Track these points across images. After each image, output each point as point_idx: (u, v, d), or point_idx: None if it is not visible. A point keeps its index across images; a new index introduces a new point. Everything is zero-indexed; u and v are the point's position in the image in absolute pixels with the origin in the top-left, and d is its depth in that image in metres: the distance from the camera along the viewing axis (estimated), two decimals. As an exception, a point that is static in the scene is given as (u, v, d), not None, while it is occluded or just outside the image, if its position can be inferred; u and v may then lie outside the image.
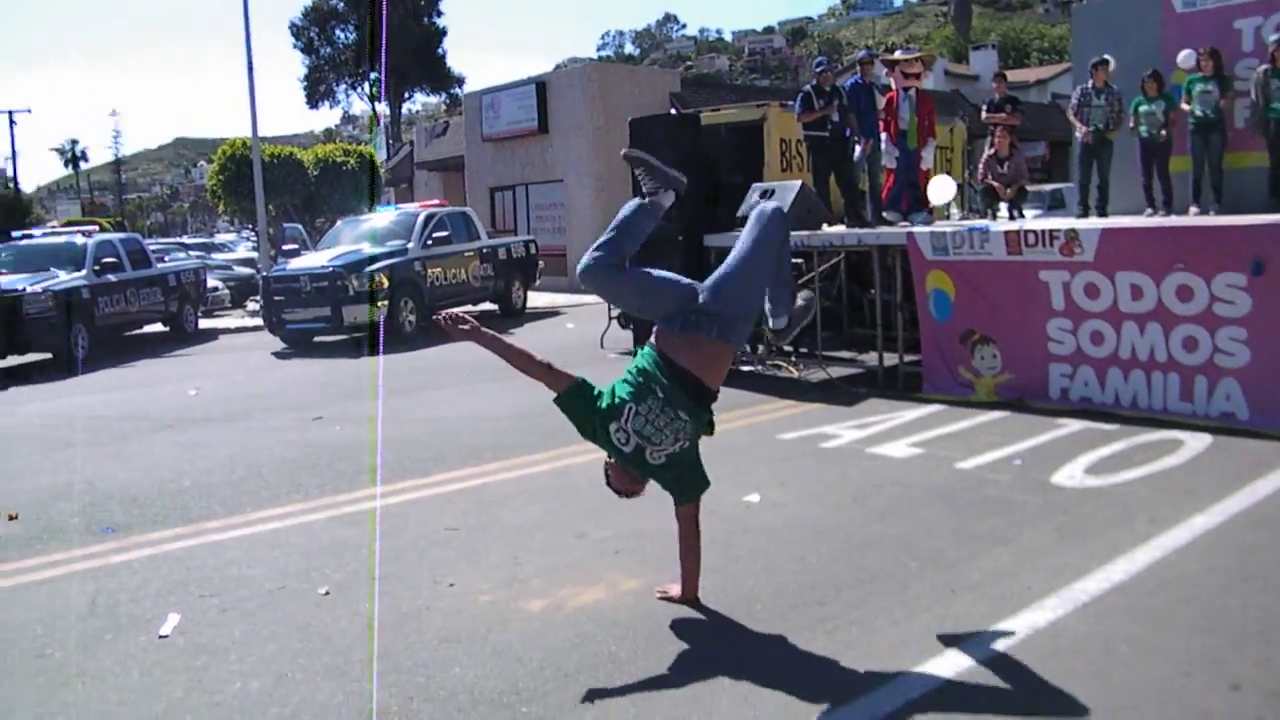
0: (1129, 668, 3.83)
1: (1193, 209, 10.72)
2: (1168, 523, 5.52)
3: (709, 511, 5.89)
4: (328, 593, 5.05)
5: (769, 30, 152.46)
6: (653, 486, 4.67)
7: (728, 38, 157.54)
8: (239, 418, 10.11)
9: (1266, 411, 7.53)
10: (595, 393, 4.48)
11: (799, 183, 11.48)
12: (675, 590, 4.74)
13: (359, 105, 56.91)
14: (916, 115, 11.44)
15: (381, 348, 14.36)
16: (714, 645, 4.24)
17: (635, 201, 4.73)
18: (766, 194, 11.16)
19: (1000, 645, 4.06)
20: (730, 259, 4.58)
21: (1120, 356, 8.23)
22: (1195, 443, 7.28)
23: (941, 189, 11.26)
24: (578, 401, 4.46)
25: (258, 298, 18.78)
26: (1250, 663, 3.86)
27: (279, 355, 15.49)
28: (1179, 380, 7.94)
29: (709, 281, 4.53)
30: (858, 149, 11.70)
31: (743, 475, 6.91)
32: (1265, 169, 10.57)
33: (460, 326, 4.53)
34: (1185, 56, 10.76)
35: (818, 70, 11.82)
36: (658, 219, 4.73)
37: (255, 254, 25.26)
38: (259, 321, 17.96)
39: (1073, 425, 7.99)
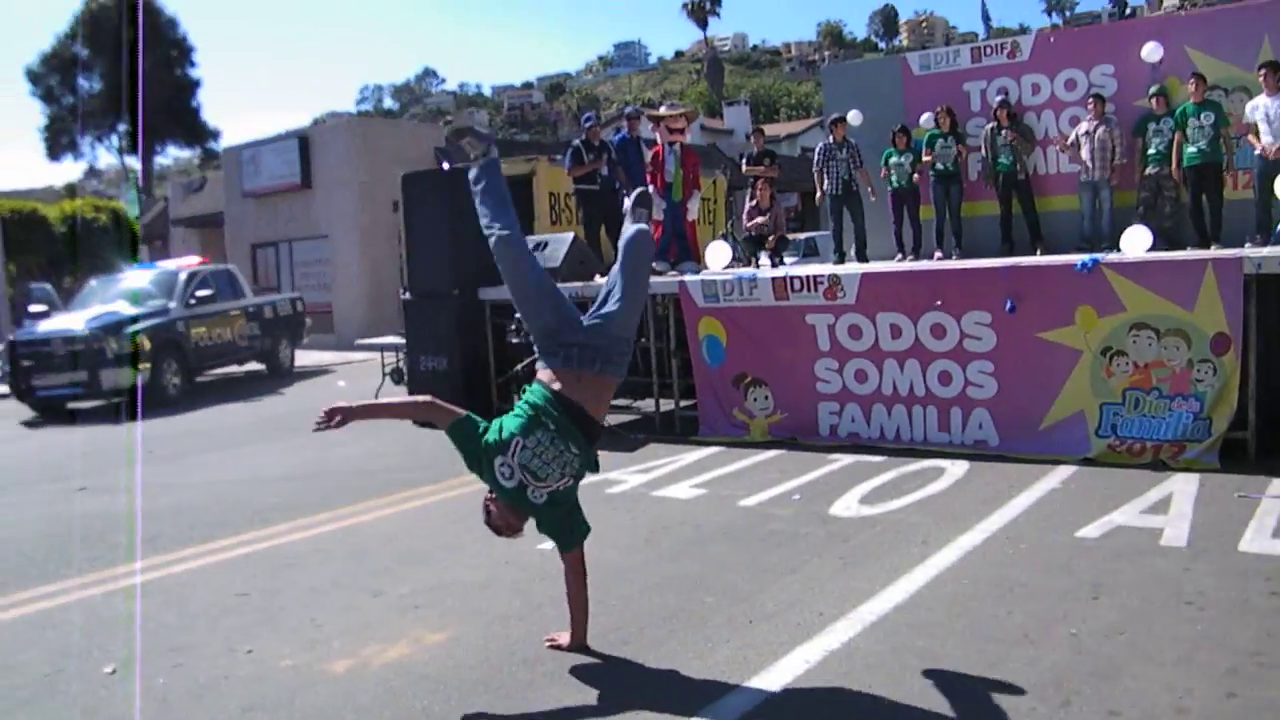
0: (918, 678, 4.12)
1: (937, 254, 11.58)
2: (938, 543, 5.94)
3: (504, 561, 6.01)
4: (114, 671, 4.77)
5: (528, 85, 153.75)
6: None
7: (487, 92, 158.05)
8: (-10, 493, 9.42)
9: (1013, 437, 8.21)
10: (481, 428, 4.45)
11: (571, 235, 11.72)
12: (564, 639, 4.73)
13: (105, 158, 53.74)
14: (682, 168, 11.88)
15: (144, 412, 13.59)
16: (526, 691, 4.27)
17: (476, 167, 4.80)
18: (540, 246, 11.33)
19: (801, 668, 4.28)
20: (615, 295, 4.62)
21: (883, 392, 8.78)
22: (955, 469, 7.85)
23: (718, 254, 11.67)
24: (465, 434, 4.43)
25: (-1, 364, 17.52)
26: (1021, 662, 4.22)
27: (29, 424, 14.49)
28: (936, 412, 8.54)
29: (592, 317, 4.59)
30: (626, 201, 12.00)
31: (533, 523, 6.96)
32: (997, 217, 11.55)
33: (336, 419, 4.31)
34: (926, 119, 11.70)
35: (587, 125, 12.14)
36: (499, 171, 4.86)
37: (-7, 316, 23.63)
38: (3, 389, 16.75)
39: (844, 459, 8.46)
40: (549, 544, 6.21)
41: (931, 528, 6.30)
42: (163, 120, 43.51)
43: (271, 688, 4.46)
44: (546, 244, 11.23)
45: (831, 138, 11.96)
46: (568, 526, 4.63)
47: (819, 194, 12.18)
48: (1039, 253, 10.70)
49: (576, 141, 12.02)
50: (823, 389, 9.11)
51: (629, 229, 4.82)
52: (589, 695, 4.19)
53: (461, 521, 7.23)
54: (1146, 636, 4.46)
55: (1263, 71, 9.57)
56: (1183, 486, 6.98)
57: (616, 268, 4.75)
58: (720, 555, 6.08)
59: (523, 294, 4.70)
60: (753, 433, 9.50)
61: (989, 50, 12.06)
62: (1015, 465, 7.85)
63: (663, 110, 12.98)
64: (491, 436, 4.42)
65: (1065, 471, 7.58)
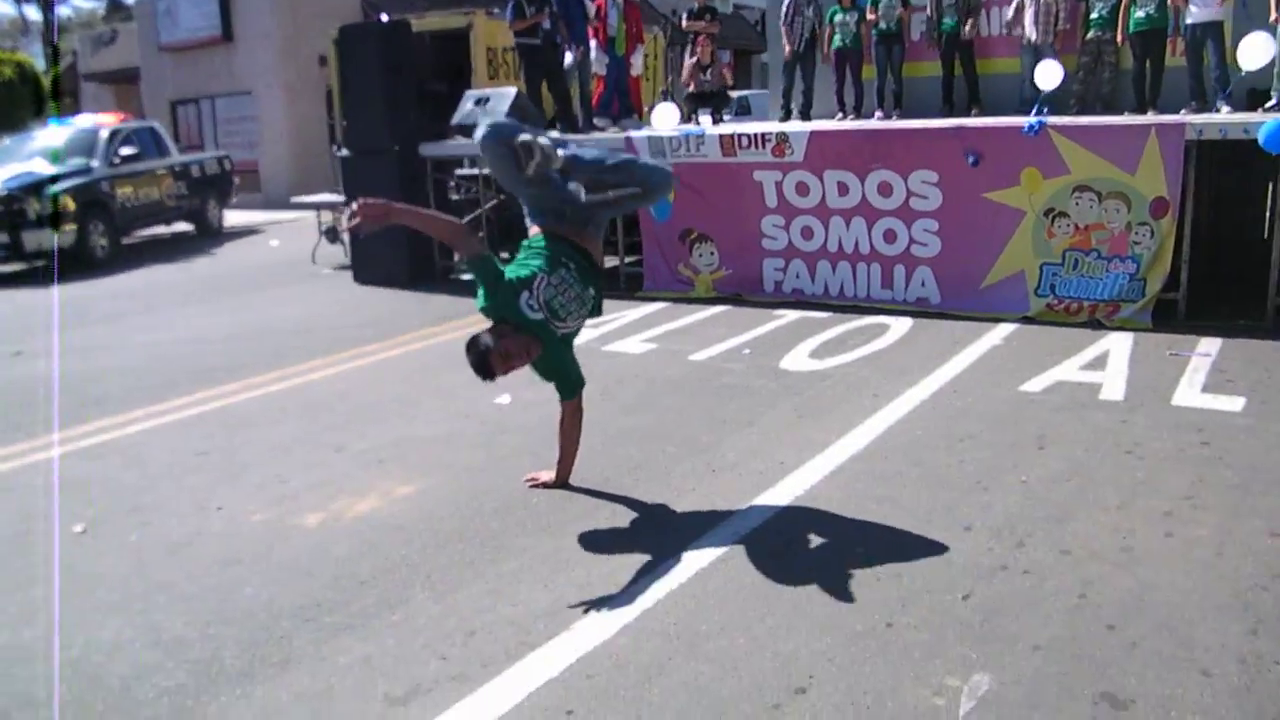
0: (880, 521, 4.32)
1: (878, 113, 11.55)
2: (889, 396, 6.13)
3: (464, 415, 6.07)
4: (84, 530, 4.78)
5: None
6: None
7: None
8: (-81, 356, 9.18)
9: (954, 295, 8.39)
10: (500, 265, 4.48)
11: (515, 90, 11.48)
12: (546, 476, 4.93)
13: (1, 6, 51.03)
14: (625, 23, 11.68)
15: (72, 275, 13.23)
16: (502, 540, 4.38)
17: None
18: (481, 101, 11.12)
19: (768, 513, 4.46)
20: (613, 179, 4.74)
21: (829, 250, 8.89)
22: (899, 326, 8.04)
23: (665, 116, 11.50)
24: (490, 268, 4.42)
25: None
26: (975, 507, 4.44)
27: (-52, 288, 14.03)
28: (880, 270, 8.68)
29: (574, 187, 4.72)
30: (569, 56, 11.80)
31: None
32: (938, 78, 11.51)
33: (373, 212, 4.26)
34: None
35: (527, -23, 11.80)
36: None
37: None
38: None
39: (789, 315, 8.60)
40: (506, 398, 6.37)
41: (881, 382, 6.48)
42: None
43: (247, 542, 4.52)
44: (489, 99, 11.01)
45: None
46: (570, 372, 4.77)
47: (786, 50, 11.93)
48: (974, 114, 10.74)
49: (517, -6, 11.70)
50: (768, 245, 9.19)
51: (663, 169, 5.05)
52: (562, 542, 4.31)
53: (412, 378, 7.29)
54: (1091, 483, 4.69)
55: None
56: (1118, 344, 7.23)
57: (638, 164, 5.03)
58: (677, 408, 6.20)
59: (520, 186, 4.73)
60: (698, 288, 9.59)
61: (937, -96, 11.84)
62: (957, 323, 8.04)
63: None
64: (511, 274, 4.45)
65: (1006, 329, 7.79)
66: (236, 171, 20.02)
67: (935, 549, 4.02)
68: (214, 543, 4.55)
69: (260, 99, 24.50)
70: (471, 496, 4.89)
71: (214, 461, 5.68)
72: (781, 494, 4.67)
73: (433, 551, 4.29)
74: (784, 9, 11.81)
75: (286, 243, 16.30)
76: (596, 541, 4.30)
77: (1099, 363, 6.79)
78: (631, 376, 6.96)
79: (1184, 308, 7.83)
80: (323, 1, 23.65)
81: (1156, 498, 4.50)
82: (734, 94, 23.91)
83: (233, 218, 19.84)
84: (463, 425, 6.02)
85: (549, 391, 6.55)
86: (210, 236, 18.04)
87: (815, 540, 4.17)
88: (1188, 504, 4.42)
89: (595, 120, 11.65)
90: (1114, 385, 6.26)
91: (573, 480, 4.96)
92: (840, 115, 11.71)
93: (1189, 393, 6.05)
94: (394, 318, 9.46)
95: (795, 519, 4.40)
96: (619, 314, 9.01)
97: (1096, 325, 7.76)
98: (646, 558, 4.08)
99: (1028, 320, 7.99)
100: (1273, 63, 8.20)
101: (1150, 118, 8.42)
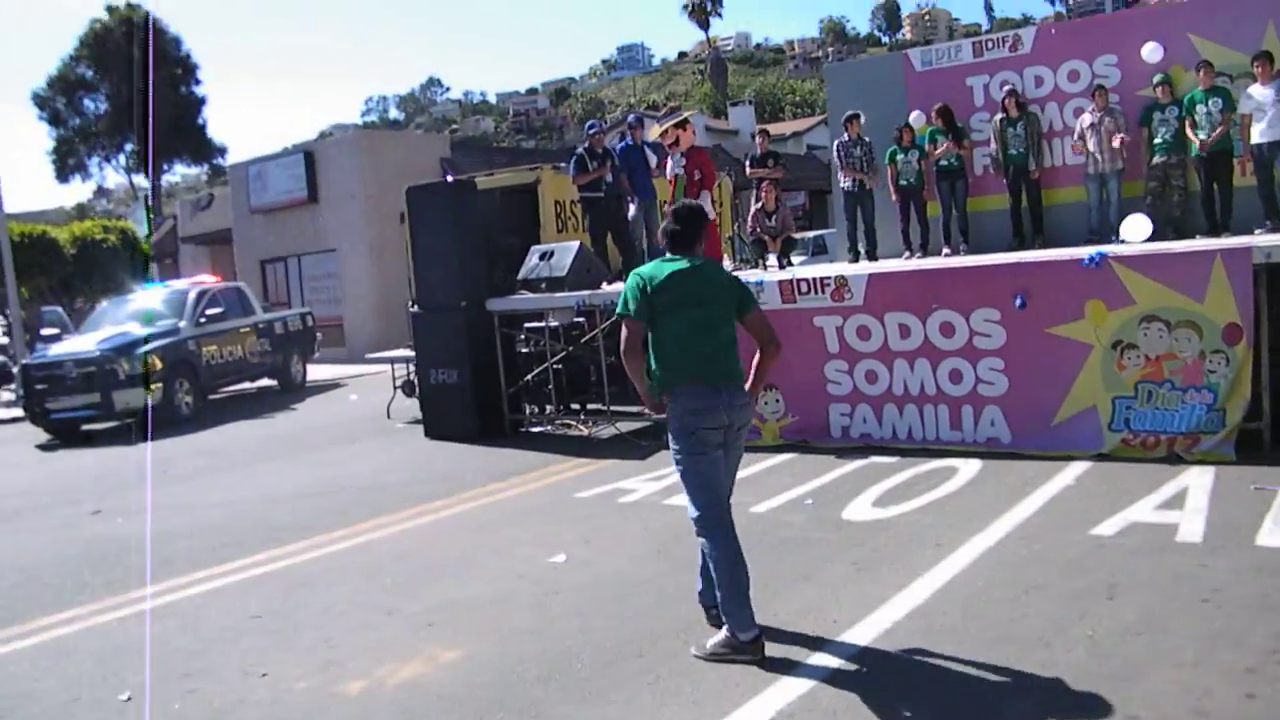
0: (937, 683, 4.12)
1: (945, 250, 11.50)
2: (952, 545, 5.91)
3: (518, 575, 5.99)
4: (129, 698, 4.77)
5: (532, 91, 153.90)
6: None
7: (492, 99, 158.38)
8: (6, 517, 9.45)
9: (1025, 434, 8.16)
10: None
11: (577, 244, 11.69)
12: None
13: (114, 178, 54.31)
14: (688, 169, 11.86)
15: (158, 432, 13.56)
16: (542, 708, 4.25)
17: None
18: (546, 255, 11.34)
19: (818, 676, 4.27)
20: None
21: (894, 393, 8.74)
22: (967, 468, 7.82)
23: None
24: None
25: (13, 386, 17.57)
26: (1037, 665, 4.21)
27: (44, 447, 14.51)
28: (948, 411, 8.50)
29: None
30: (632, 208, 12.01)
31: (546, 536, 6.98)
32: (1006, 210, 11.47)
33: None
34: (915, 117, 11.63)
35: (590, 133, 12.12)
36: None
37: (4, 340, 23.60)
38: (18, 412, 16.78)
39: (856, 462, 8.42)
40: (561, 556, 6.31)
41: (944, 529, 6.27)
42: (169, 138, 43.77)
43: (286, 711, 4.46)
44: (552, 253, 11.23)
45: (847, 134, 11.85)
46: None
47: (845, 181, 12.02)
48: (1037, 245, 10.64)
49: (580, 149, 12.01)
50: (833, 390, 9.08)
51: None
52: (605, 711, 4.18)
53: (473, 535, 7.26)
54: (1164, 636, 4.42)
55: (1257, 63, 9.45)
56: (1198, 479, 6.93)
57: None
58: (733, 563, 6.04)
59: None
60: (764, 437, 9.46)
61: (990, 44, 11.97)
62: (1028, 462, 7.80)
63: (654, 129, 12.96)
64: None
65: (1079, 468, 7.53)
66: (321, 327, 20.61)
67: (988, 714, 3.80)
68: (254, 712, 4.50)
69: (344, 256, 25.35)
70: (516, 662, 4.78)
71: (267, 625, 5.68)
72: (832, 655, 4.48)
73: (472, 722, 4.17)
74: (834, 152, 11.94)
75: (366, 397, 16.59)
76: (640, 710, 4.14)
77: (1177, 501, 6.50)
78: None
79: (1269, 437, 7.51)
80: (405, 161, 24.63)
81: (1238, 652, 4.21)
82: (811, 234, 24.17)
83: (317, 372, 20.36)
84: (516, 585, 5.94)
85: (602, 550, 6.51)
86: (293, 391, 18.47)
87: (864, 708, 3.96)
88: (1273, 659, 4.11)
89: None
90: (1192, 525, 5.97)
91: (623, 640, 4.88)
92: (907, 254, 11.68)
93: (1276, 531, 5.72)
94: (461, 473, 9.48)
95: (844, 684, 4.20)
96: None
97: (1176, 460, 7.47)
98: (688, 728, 3.92)
99: (1103, 457, 7.71)
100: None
101: (1213, 242, 8.26)
